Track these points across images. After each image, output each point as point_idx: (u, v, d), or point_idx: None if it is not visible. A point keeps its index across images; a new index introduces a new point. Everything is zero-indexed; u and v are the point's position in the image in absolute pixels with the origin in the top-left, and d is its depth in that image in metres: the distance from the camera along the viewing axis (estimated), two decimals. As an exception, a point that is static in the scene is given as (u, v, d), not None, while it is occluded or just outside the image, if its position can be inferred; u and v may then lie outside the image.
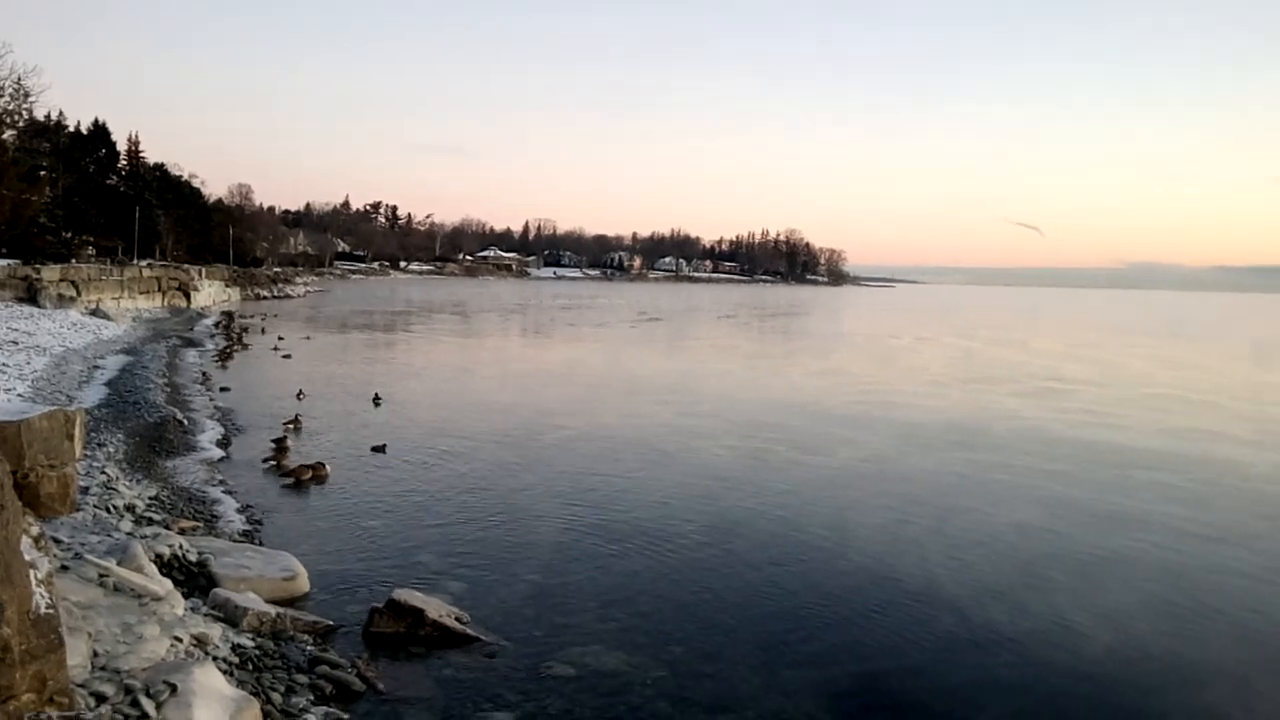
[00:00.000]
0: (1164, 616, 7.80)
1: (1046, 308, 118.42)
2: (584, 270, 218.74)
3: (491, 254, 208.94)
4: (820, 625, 7.35)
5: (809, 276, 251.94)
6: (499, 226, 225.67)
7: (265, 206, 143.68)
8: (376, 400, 18.25)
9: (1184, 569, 9.09)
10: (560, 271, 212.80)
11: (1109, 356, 38.29)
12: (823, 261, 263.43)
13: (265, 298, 65.92)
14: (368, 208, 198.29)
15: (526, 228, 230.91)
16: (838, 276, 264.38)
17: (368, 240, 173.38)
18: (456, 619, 6.90)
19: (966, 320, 71.89)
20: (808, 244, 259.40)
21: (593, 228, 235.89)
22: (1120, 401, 22.36)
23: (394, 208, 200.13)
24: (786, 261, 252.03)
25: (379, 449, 13.44)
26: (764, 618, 7.48)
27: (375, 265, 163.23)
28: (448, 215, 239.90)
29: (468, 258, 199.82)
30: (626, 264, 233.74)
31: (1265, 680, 6.64)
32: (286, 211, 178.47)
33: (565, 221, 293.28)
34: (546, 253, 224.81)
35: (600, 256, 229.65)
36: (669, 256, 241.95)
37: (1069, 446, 15.80)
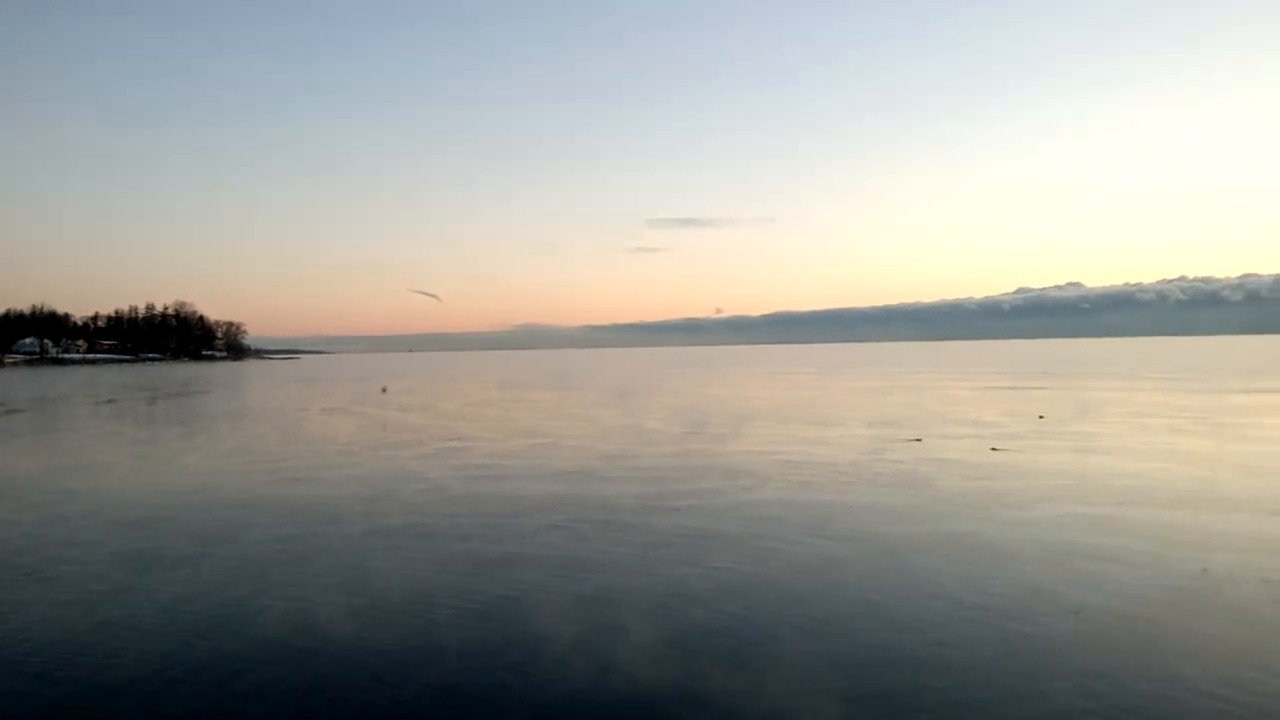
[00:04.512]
0: (579, 641, 8.77)
1: (445, 370, 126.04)
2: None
3: None
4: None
5: (205, 352, 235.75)
6: None
7: None
8: None
9: (573, 600, 10.33)
10: None
11: (499, 412, 42.06)
12: (220, 335, 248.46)
13: None
14: None
15: None
16: (238, 350, 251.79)
17: None
18: None
19: (373, 387, 73.21)
20: (202, 317, 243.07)
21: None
22: (508, 453, 24.66)
23: None
24: (178, 337, 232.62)
25: None
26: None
27: None
28: None
29: None
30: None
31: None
32: None
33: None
34: None
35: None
36: (30, 338, 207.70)
37: (468, 501, 16.98)
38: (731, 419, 34.82)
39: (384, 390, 65.18)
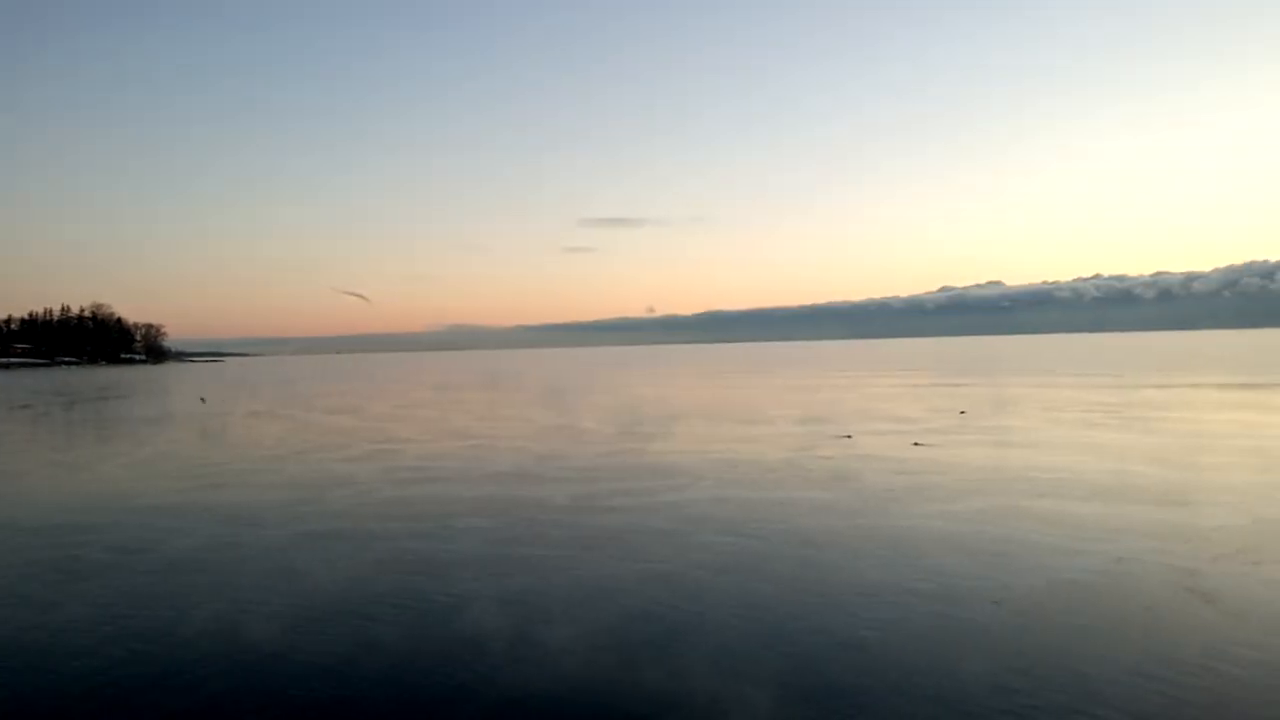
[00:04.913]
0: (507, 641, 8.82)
1: (378, 372, 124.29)
2: None
3: None
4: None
5: (123, 355, 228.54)
6: None
7: None
8: None
9: (509, 599, 10.37)
10: None
11: (432, 414, 41.72)
12: (139, 338, 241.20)
13: None
14: None
15: None
16: (158, 353, 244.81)
17: None
18: None
19: (303, 390, 71.85)
20: (119, 319, 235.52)
21: None
22: (439, 455, 24.51)
23: None
24: (94, 340, 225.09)
25: None
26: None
27: None
28: None
29: None
30: None
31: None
32: None
33: None
34: None
35: None
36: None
37: (400, 504, 16.86)
38: (664, 418, 35.06)
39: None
